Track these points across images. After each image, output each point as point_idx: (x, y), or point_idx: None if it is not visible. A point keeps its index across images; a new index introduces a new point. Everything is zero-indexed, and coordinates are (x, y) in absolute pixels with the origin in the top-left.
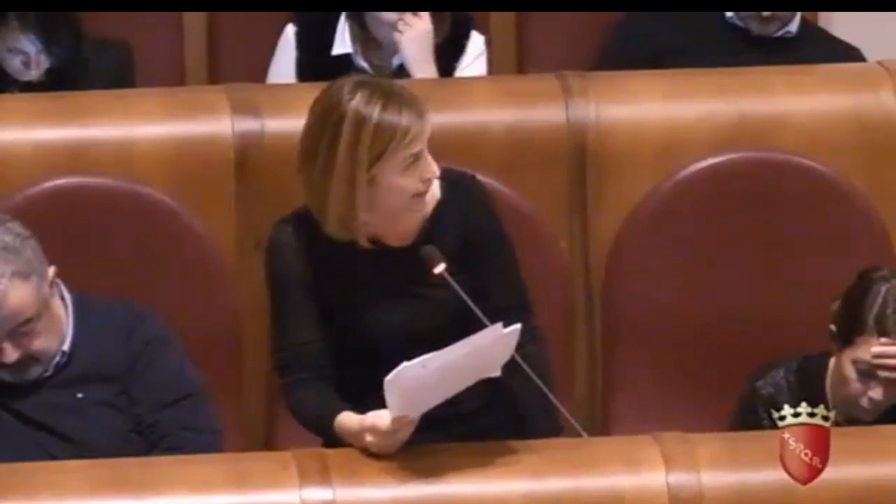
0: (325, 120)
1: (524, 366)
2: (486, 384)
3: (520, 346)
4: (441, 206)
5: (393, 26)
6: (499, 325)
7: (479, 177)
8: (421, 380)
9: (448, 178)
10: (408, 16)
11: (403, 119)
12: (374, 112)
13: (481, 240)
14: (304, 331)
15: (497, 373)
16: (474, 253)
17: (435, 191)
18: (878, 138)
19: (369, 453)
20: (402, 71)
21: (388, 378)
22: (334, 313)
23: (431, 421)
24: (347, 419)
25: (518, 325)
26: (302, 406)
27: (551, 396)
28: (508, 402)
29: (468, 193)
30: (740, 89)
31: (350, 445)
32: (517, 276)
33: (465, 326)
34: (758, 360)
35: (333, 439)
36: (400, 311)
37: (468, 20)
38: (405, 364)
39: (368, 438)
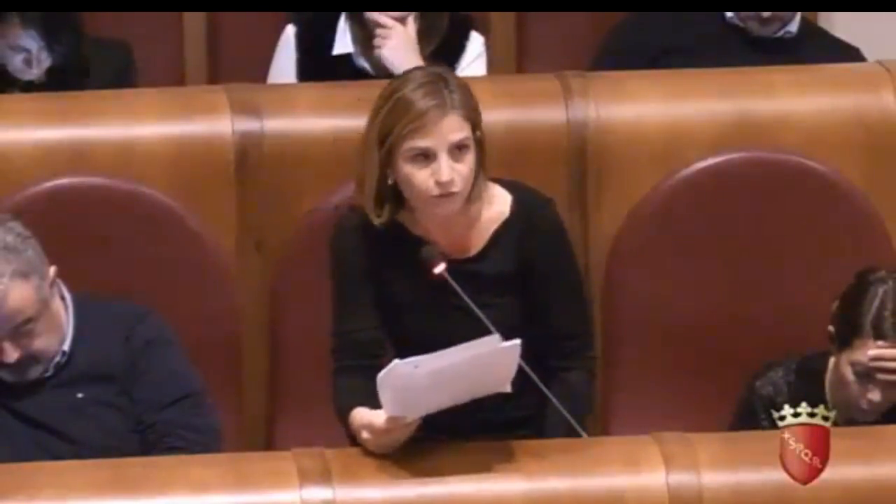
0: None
1: (530, 372)
2: (521, 401)
3: (564, 370)
4: (505, 224)
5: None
6: (495, 336)
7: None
8: (412, 380)
9: (520, 199)
10: (385, 21)
11: (422, 103)
12: (408, 88)
13: (539, 266)
14: (355, 318)
15: (507, 388)
16: (530, 278)
17: (504, 209)
18: (878, 138)
19: (369, 452)
20: None
21: (380, 375)
22: (386, 308)
23: (451, 428)
24: (359, 415)
25: (518, 341)
26: (335, 395)
27: (550, 396)
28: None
29: (533, 218)
30: (741, 89)
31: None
32: (579, 307)
33: None
34: (758, 360)
35: (350, 434)
36: (442, 321)
37: (467, 21)
38: (396, 362)
39: (364, 435)
